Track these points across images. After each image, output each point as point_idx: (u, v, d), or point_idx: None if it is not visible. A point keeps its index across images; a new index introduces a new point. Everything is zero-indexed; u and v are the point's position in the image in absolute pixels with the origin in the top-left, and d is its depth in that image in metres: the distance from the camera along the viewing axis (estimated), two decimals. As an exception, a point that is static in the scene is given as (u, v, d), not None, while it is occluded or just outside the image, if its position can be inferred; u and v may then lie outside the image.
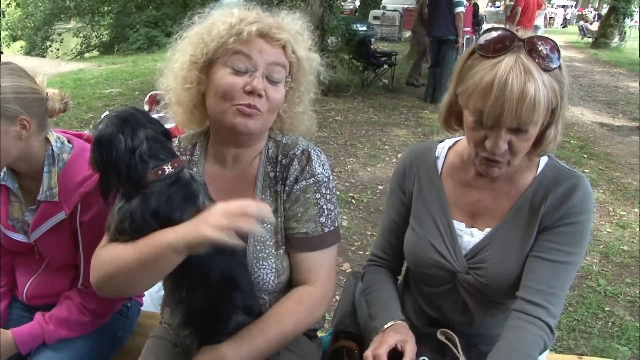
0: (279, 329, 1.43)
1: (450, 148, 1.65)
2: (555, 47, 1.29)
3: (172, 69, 1.51)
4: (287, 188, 1.51)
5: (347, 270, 3.95)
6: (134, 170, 1.29)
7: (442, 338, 1.52)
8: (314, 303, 1.50)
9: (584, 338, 3.26)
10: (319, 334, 1.82)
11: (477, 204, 1.56)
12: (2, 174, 1.75)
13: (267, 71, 1.41)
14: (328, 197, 1.53)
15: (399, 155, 6.85)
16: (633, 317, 3.52)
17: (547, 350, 1.67)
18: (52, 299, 1.81)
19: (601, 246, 4.52)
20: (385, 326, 1.53)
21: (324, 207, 1.52)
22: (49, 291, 1.83)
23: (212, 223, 1.17)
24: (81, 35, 20.33)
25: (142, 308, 2.18)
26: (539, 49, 1.27)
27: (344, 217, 4.98)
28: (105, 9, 20.94)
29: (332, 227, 1.54)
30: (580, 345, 3.18)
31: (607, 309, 3.60)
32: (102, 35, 21.04)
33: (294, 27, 1.50)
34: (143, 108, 5.34)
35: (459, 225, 1.57)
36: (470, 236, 1.55)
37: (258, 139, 1.53)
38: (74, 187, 1.68)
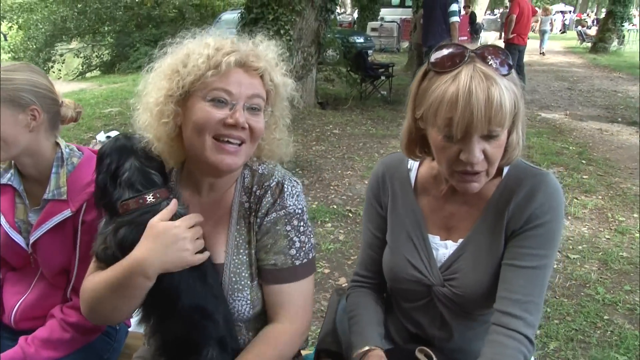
0: None
1: (422, 161, 1.64)
2: (505, 54, 1.31)
3: (146, 103, 1.44)
4: (258, 220, 1.49)
5: (344, 285, 3.93)
6: (109, 195, 1.37)
7: (420, 356, 1.51)
8: (282, 344, 1.48)
9: (582, 348, 3.22)
10: (307, 351, 1.82)
11: (450, 217, 1.55)
12: (9, 174, 1.80)
13: (248, 103, 1.39)
14: (301, 229, 1.50)
15: (396, 167, 6.83)
16: (632, 326, 3.47)
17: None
18: (41, 322, 1.80)
19: (600, 253, 4.48)
20: (360, 351, 1.53)
21: (295, 239, 1.49)
22: (39, 312, 1.82)
23: (190, 248, 1.33)
24: (82, 55, 20.52)
25: (132, 329, 2.18)
26: (492, 57, 1.29)
27: (341, 231, 4.97)
28: (106, 28, 21.17)
29: (305, 260, 1.50)
30: (579, 356, 3.13)
31: (605, 317, 3.56)
32: (103, 55, 21.27)
33: (269, 53, 1.47)
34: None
35: (433, 239, 1.56)
36: (444, 248, 1.54)
37: (239, 169, 1.52)
38: (81, 188, 1.73)
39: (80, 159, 1.79)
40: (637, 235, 4.85)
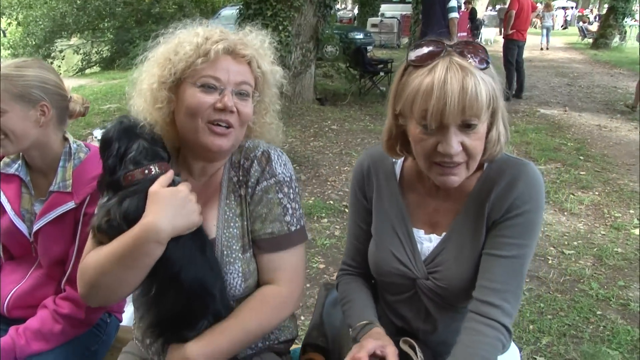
0: (243, 328, 1.45)
1: None
2: (483, 51, 1.33)
3: (140, 90, 1.53)
4: (249, 190, 1.53)
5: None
6: (116, 173, 1.42)
7: (405, 347, 1.52)
8: (279, 302, 1.51)
9: (574, 343, 3.22)
10: (295, 346, 1.82)
11: (434, 212, 1.56)
12: (16, 165, 1.86)
13: (236, 88, 1.46)
14: (291, 196, 1.55)
15: (394, 163, 6.84)
16: (625, 321, 3.47)
17: (517, 350, 1.67)
18: (33, 311, 1.82)
19: (595, 249, 4.48)
20: (359, 325, 1.56)
21: (288, 206, 1.53)
22: (32, 301, 1.84)
23: (197, 209, 1.40)
24: (82, 51, 20.50)
25: (123, 323, 2.19)
26: (470, 50, 1.31)
27: (337, 226, 4.98)
28: (105, 24, 21.09)
29: (298, 226, 1.55)
30: (570, 351, 3.14)
31: (599, 312, 3.56)
32: (103, 51, 21.21)
33: (257, 42, 1.55)
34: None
35: (418, 233, 1.57)
36: (429, 242, 1.55)
37: (229, 153, 1.57)
38: (87, 181, 1.78)
39: (87, 155, 1.85)
40: (633, 231, 4.86)
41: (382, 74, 11.54)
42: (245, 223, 1.54)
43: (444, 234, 1.53)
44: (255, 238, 1.53)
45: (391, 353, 1.42)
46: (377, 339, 1.47)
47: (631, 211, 5.34)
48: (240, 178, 1.55)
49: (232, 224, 1.53)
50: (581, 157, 7.04)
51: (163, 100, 1.47)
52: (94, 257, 1.41)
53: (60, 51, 19.95)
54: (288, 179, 1.55)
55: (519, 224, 1.40)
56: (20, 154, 1.84)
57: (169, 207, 1.34)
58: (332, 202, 5.55)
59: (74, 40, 21.37)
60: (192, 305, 1.42)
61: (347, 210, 5.32)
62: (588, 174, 6.42)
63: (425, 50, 1.34)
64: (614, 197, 5.71)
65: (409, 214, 1.59)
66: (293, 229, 1.53)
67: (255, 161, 1.53)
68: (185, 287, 1.40)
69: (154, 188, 1.36)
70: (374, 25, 22.75)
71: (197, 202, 1.44)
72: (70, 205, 1.77)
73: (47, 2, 19.63)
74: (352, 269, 1.79)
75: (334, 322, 1.82)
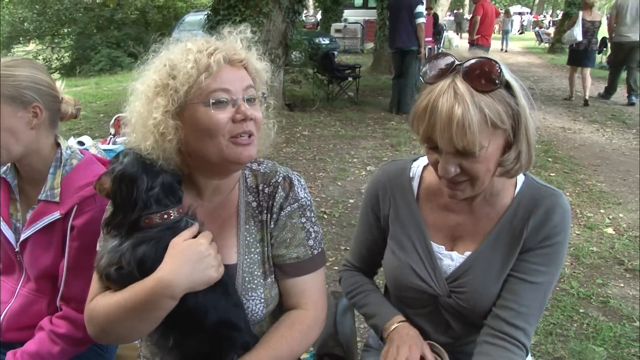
0: (274, 356, 1.43)
1: (425, 167, 1.64)
2: (494, 67, 1.28)
3: (144, 127, 1.38)
4: (274, 216, 1.51)
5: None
6: (132, 213, 1.33)
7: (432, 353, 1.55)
8: (306, 327, 1.50)
9: (561, 341, 3.29)
10: (305, 355, 1.81)
11: (456, 227, 1.56)
12: (5, 168, 1.77)
13: (245, 95, 1.39)
14: (313, 220, 1.55)
15: (368, 168, 6.89)
16: (606, 317, 3.57)
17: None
18: (27, 333, 1.75)
19: (571, 249, 4.58)
20: (392, 327, 1.60)
21: (311, 230, 1.53)
22: (25, 321, 1.77)
23: (215, 264, 1.33)
24: (41, 57, 20.03)
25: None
26: (476, 72, 1.27)
27: (317, 232, 4.95)
28: (65, 30, 20.70)
29: (320, 249, 1.55)
30: (558, 349, 3.21)
31: (581, 310, 3.65)
32: (63, 58, 20.78)
33: (242, 43, 1.47)
34: (109, 131, 5.25)
35: (438, 249, 1.57)
36: (450, 260, 1.55)
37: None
38: (74, 190, 1.69)
39: (79, 162, 1.76)
40: (605, 230, 5.00)
41: (350, 79, 11.57)
42: (266, 249, 1.51)
43: (467, 253, 1.53)
44: (280, 263, 1.51)
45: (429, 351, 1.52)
46: (415, 341, 1.54)
47: (602, 211, 5.49)
48: (262, 203, 1.52)
49: (252, 250, 1.50)
50: (550, 159, 7.20)
51: (171, 131, 1.35)
52: (103, 303, 1.36)
53: (19, 58, 19.47)
54: (309, 203, 1.55)
55: (550, 254, 1.44)
56: None
57: (187, 262, 1.28)
58: (310, 208, 5.51)
59: (32, 47, 20.87)
60: (219, 345, 1.38)
61: (325, 216, 5.34)
62: (558, 175, 6.57)
63: (435, 67, 1.33)
64: (584, 197, 5.86)
65: (428, 230, 1.59)
66: (316, 252, 1.54)
67: (280, 187, 1.51)
68: (210, 332, 1.37)
69: (176, 240, 1.31)
70: (337, 31, 22.85)
71: (213, 226, 1.43)
72: (56, 215, 1.68)
73: (5, 7, 19.13)
74: (355, 269, 1.85)
75: (345, 331, 1.82)
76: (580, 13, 11.09)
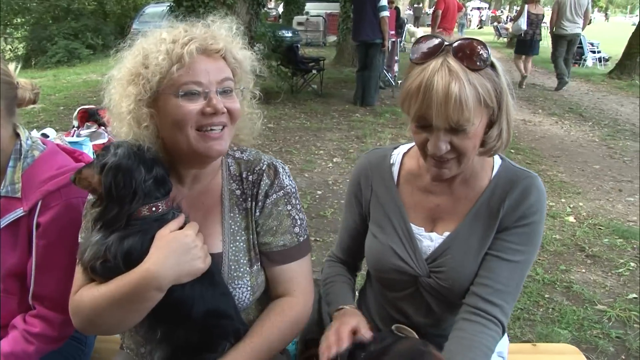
0: (267, 344, 1.44)
1: (405, 154, 1.67)
2: (482, 47, 1.33)
3: (119, 114, 1.39)
4: (259, 203, 1.50)
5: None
6: (136, 203, 1.31)
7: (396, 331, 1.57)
8: (296, 314, 1.50)
9: (529, 326, 3.39)
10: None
11: (435, 209, 1.59)
12: None
13: (219, 87, 1.36)
14: (298, 207, 1.55)
15: (334, 160, 6.93)
16: (570, 302, 3.69)
17: (507, 340, 1.74)
18: (2, 331, 1.67)
19: (535, 236, 4.70)
20: (335, 312, 1.62)
21: (296, 217, 1.53)
22: None
23: (202, 255, 1.32)
24: (-7, 48, 19.39)
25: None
26: (466, 51, 1.31)
27: (287, 223, 4.96)
28: (19, 20, 20.03)
29: (305, 236, 1.56)
30: (526, 333, 3.30)
31: (546, 296, 3.76)
32: (18, 49, 20.11)
33: (224, 31, 1.44)
34: (72, 123, 5.14)
35: (418, 230, 1.60)
36: (429, 240, 1.58)
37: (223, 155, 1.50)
38: (37, 185, 1.59)
39: (41, 153, 1.66)
40: (566, 218, 5.15)
41: (314, 72, 11.58)
42: (251, 237, 1.51)
43: (446, 233, 1.56)
44: (267, 251, 1.51)
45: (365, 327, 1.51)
46: (355, 315, 1.56)
47: (562, 200, 5.65)
48: (246, 191, 1.52)
49: (238, 238, 1.50)
50: (512, 150, 7.35)
51: (146, 118, 1.35)
52: (89, 295, 1.34)
53: (-31, 48, 18.79)
54: (294, 191, 1.55)
55: (526, 232, 1.48)
56: None
57: (173, 254, 1.28)
58: (278, 199, 5.51)
59: (-17, 37, 20.18)
60: (209, 332, 1.38)
61: (294, 207, 5.31)
62: (520, 165, 6.68)
63: (424, 48, 1.35)
64: (546, 187, 5.90)
65: (407, 212, 1.62)
66: (302, 239, 1.54)
67: (264, 174, 1.51)
68: (198, 322, 1.36)
69: (162, 232, 1.30)
70: (299, 24, 22.83)
71: (196, 214, 1.42)
72: (19, 212, 1.58)
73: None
74: (339, 260, 1.87)
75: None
76: (526, 6, 12.04)
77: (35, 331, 1.64)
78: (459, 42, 1.33)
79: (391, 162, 1.68)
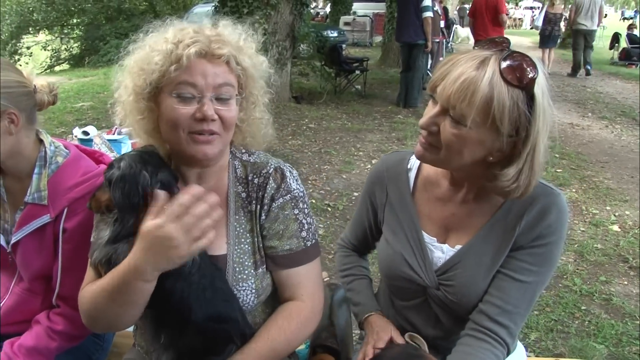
0: (272, 348, 1.43)
1: None
2: (529, 70, 1.24)
3: (119, 99, 1.45)
4: (265, 207, 1.49)
5: (325, 279, 3.92)
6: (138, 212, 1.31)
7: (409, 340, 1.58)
8: (304, 319, 1.49)
9: (562, 338, 3.28)
10: (300, 347, 1.80)
11: (450, 218, 1.55)
12: None
13: (216, 93, 1.35)
14: (306, 211, 1.54)
15: (373, 161, 6.86)
16: (608, 315, 3.55)
17: (525, 355, 1.68)
18: (24, 326, 1.74)
19: (576, 245, 4.56)
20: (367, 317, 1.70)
21: (304, 221, 1.52)
22: (20, 317, 1.76)
23: (183, 241, 1.19)
24: (50, 48, 20.08)
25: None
26: (511, 62, 1.24)
27: (320, 225, 4.95)
28: (74, 21, 20.71)
29: (314, 241, 1.54)
30: (559, 346, 3.19)
31: (583, 307, 3.63)
32: (72, 48, 20.82)
33: (234, 37, 1.42)
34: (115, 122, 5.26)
35: (430, 240, 1.56)
36: (441, 252, 1.54)
37: (220, 157, 1.48)
38: (63, 192, 1.64)
39: (65, 159, 1.69)
40: (610, 227, 4.96)
41: (357, 72, 11.52)
42: (256, 239, 1.51)
43: (458, 246, 1.52)
44: (273, 254, 1.50)
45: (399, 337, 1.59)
46: (387, 328, 1.62)
47: (608, 208, 5.45)
48: (251, 194, 1.51)
49: (242, 240, 1.50)
50: (557, 155, 7.13)
51: (143, 111, 1.39)
52: (89, 290, 1.38)
53: (28, 48, 19.52)
54: (302, 195, 1.54)
55: (542, 254, 1.42)
56: None
57: (148, 247, 1.21)
58: (314, 200, 5.52)
59: (41, 37, 20.92)
60: (214, 336, 1.39)
61: (329, 208, 5.34)
62: (565, 171, 6.52)
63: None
64: (590, 194, 5.82)
65: (420, 220, 1.58)
66: (309, 244, 1.53)
67: (271, 178, 1.50)
68: (198, 327, 1.36)
69: (143, 226, 1.24)
70: (346, 24, 22.73)
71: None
72: (46, 219, 1.63)
73: (15, -3, 19.21)
74: (350, 246, 1.90)
75: (340, 322, 1.82)
76: (546, 6, 13.71)
77: (59, 329, 1.70)
78: (514, 52, 1.27)
79: (408, 167, 1.64)
